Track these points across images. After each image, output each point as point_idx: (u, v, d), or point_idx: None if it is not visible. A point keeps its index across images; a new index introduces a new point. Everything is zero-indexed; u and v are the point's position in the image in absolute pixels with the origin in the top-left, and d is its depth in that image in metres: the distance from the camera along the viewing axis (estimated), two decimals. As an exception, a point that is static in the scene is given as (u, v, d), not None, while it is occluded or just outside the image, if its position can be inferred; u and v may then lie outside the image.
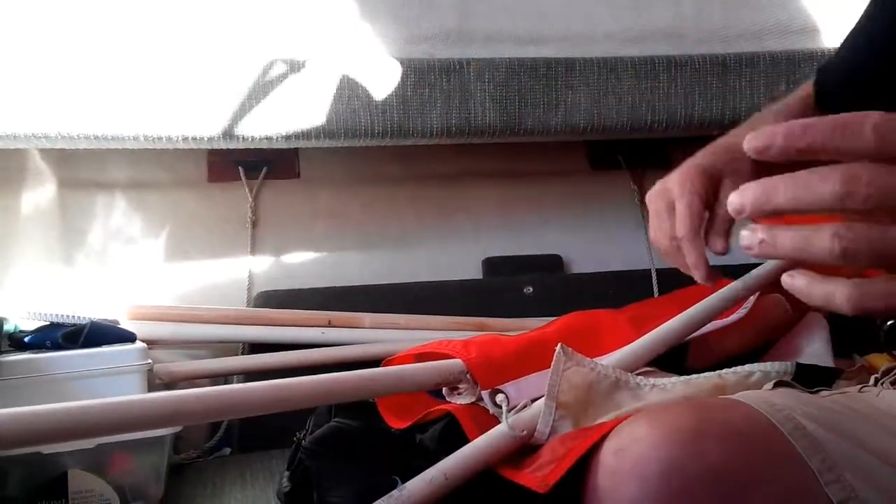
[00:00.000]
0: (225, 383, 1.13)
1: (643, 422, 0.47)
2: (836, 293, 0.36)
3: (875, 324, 0.61)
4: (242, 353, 1.09)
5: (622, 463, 0.45)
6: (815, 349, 0.75)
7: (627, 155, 1.32)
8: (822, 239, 0.34)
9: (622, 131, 1.14)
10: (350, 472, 0.68)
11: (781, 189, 0.36)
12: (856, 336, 0.76)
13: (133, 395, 0.79)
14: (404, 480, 0.65)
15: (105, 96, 0.98)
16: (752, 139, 0.37)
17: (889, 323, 0.60)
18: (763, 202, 0.36)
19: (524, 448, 0.57)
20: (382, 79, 1.06)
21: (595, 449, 0.48)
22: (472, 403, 0.65)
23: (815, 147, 0.35)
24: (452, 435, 0.69)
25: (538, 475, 0.50)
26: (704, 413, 0.47)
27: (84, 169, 1.16)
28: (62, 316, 0.85)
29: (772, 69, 1.15)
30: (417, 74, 1.06)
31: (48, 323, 0.84)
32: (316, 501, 0.70)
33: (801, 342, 0.78)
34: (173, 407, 0.47)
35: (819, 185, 0.34)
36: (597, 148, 1.34)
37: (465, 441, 0.63)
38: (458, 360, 0.64)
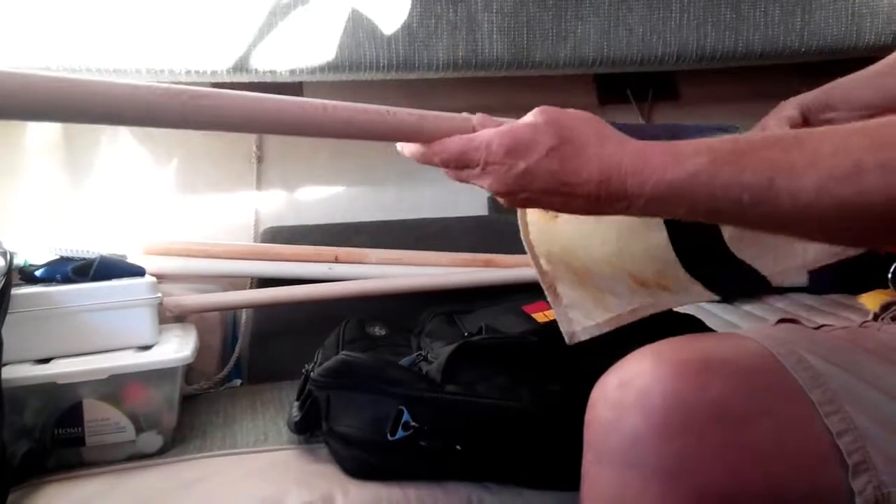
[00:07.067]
0: (234, 318, 1.14)
1: (647, 355, 0.47)
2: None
3: (883, 264, 0.61)
4: (251, 288, 1.10)
5: (626, 395, 0.46)
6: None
7: (636, 88, 1.30)
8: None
9: (632, 64, 1.12)
10: (357, 403, 0.69)
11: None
12: (862, 276, 0.76)
13: (144, 327, 0.81)
14: (409, 410, 0.67)
15: (107, 29, 0.96)
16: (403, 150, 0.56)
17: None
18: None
19: None
20: (388, 9, 1.03)
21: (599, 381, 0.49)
22: None
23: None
24: (458, 366, 0.70)
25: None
26: (709, 347, 0.48)
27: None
28: (71, 250, 0.85)
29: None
30: (423, 5, 1.04)
31: (58, 257, 0.85)
32: (325, 430, 0.72)
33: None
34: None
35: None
36: (605, 82, 1.31)
37: (471, 372, 0.64)
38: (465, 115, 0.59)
